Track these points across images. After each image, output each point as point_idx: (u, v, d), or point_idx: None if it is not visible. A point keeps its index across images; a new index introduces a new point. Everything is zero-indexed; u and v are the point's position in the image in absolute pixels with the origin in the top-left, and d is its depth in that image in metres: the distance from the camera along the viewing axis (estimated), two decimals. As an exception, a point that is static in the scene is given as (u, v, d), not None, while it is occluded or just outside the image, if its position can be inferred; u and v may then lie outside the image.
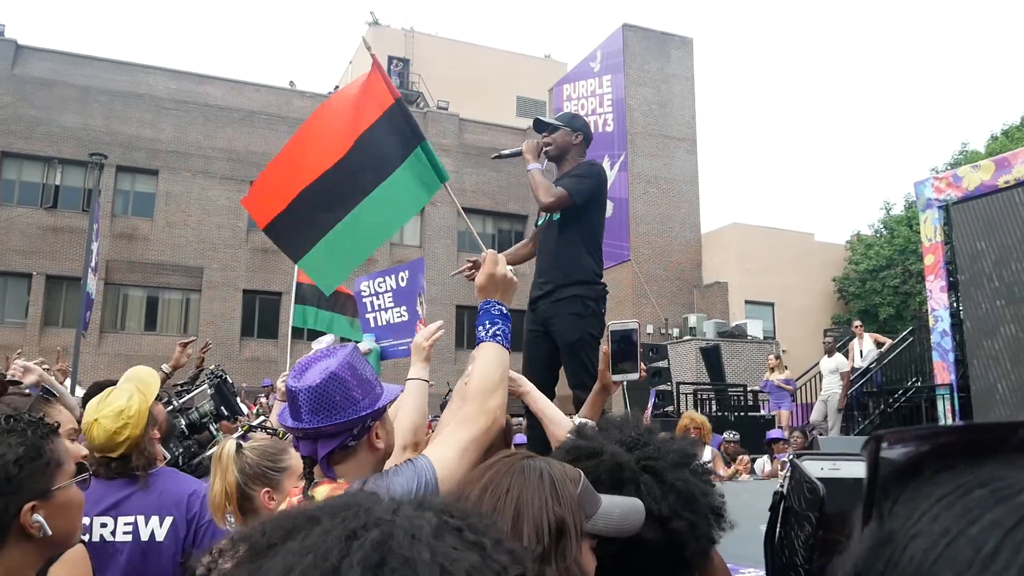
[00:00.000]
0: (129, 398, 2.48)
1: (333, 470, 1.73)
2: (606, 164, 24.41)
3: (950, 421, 9.01)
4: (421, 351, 2.73)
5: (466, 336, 25.17)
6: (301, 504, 1.68)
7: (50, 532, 1.45)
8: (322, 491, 1.66)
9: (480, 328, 2.05)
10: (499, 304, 2.07)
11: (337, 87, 31.96)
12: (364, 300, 6.72)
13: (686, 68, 26.00)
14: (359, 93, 3.51)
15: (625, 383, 2.61)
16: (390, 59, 31.98)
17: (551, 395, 4.28)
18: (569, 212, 4.08)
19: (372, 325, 6.64)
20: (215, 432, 3.79)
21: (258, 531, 0.60)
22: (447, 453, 1.78)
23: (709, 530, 1.39)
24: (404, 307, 6.63)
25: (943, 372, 9.27)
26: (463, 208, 3.60)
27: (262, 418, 4.47)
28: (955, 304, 9.23)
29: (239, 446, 2.36)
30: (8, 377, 2.99)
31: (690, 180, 25.25)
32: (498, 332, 2.01)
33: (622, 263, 23.45)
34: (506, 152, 4.43)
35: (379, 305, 6.71)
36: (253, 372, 21.12)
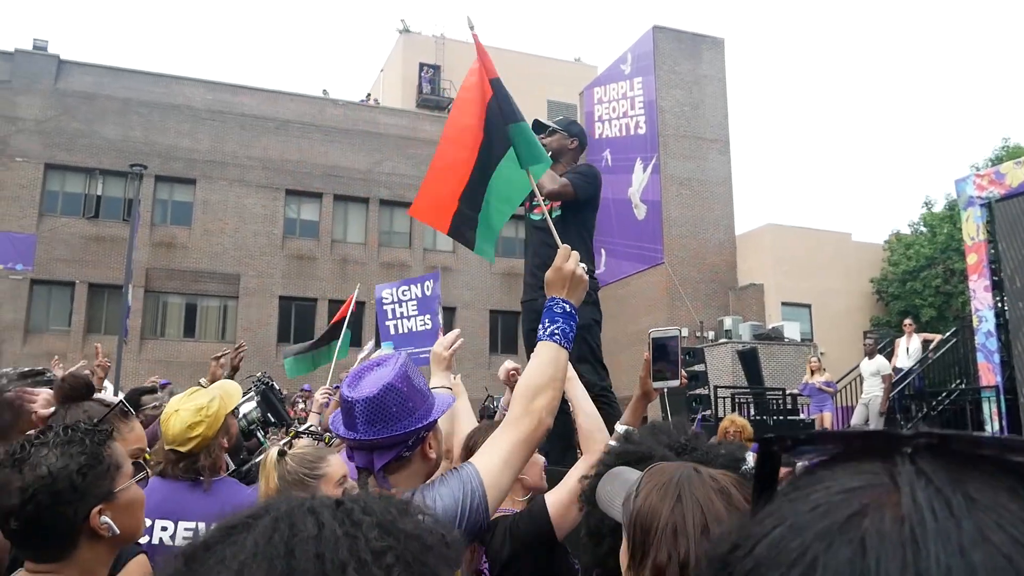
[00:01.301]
0: (211, 399, 2.59)
1: (388, 480, 1.73)
2: (638, 166, 24.31)
3: (996, 424, 8.83)
4: (441, 360, 2.73)
5: (500, 341, 25.22)
6: None
7: (118, 531, 1.54)
8: None
9: (540, 326, 1.96)
10: (564, 301, 1.96)
11: (369, 95, 32.27)
12: (385, 307, 6.77)
13: (718, 69, 25.82)
14: (476, 80, 3.59)
15: (665, 390, 2.58)
16: (421, 66, 32.22)
17: None
18: (569, 209, 4.23)
19: (392, 332, 6.68)
20: (263, 439, 3.83)
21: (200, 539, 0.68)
22: (492, 459, 1.76)
23: None
24: (428, 315, 6.69)
25: (988, 374, 9.09)
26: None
27: (309, 423, 4.50)
28: (1000, 304, 9.05)
29: (281, 453, 2.39)
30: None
31: (723, 181, 25.06)
32: (556, 331, 1.92)
33: (656, 266, 23.31)
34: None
35: (401, 313, 6.76)
36: (290, 378, 21.33)
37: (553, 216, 4.15)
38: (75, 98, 22.13)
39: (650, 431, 1.56)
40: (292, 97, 24.97)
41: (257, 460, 3.47)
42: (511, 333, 25.32)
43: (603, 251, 25.97)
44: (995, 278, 9.06)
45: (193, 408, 2.53)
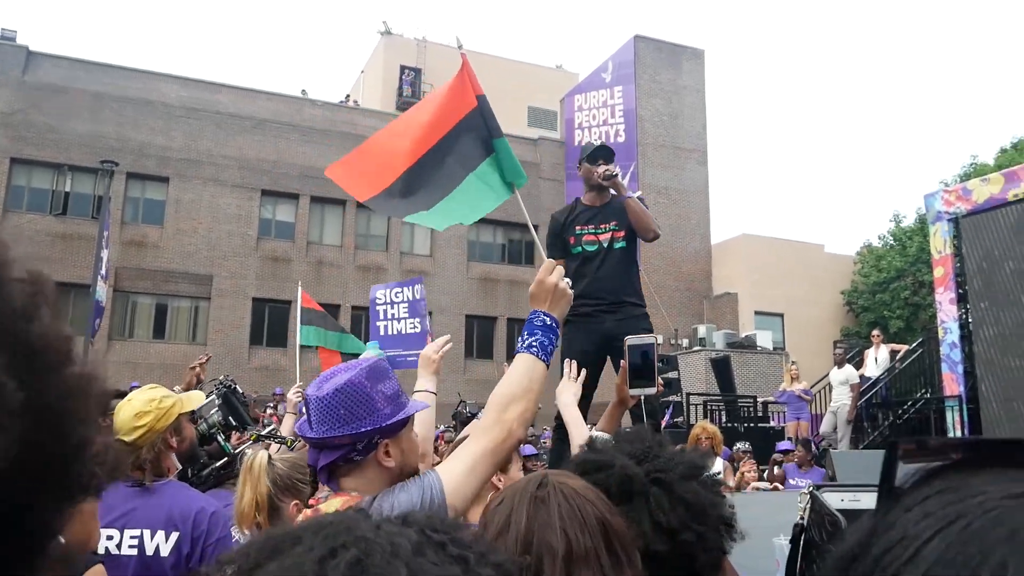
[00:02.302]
0: (166, 395, 2.57)
1: (337, 482, 1.74)
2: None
3: (958, 433, 8.94)
4: (431, 364, 2.74)
5: (475, 346, 25.18)
6: (306, 517, 1.70)
7: (62, 540, 1.46)
8: (334, 504, 1.66)
9: (520, 337, 1.96)
10: (545, 315, 1.97)
11: (348, 96, 32.13)
12: (378, 308, 6.75)
13: (697, 80, 26.03)
14: (451, 89, 3.81)
15: (643, 397, 2.60)
16: (402, 68, 32.14)
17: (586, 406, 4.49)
18: (632, 244, 4.36)
19: (381, 333, 6.67)
20: (223, 443, 3.78)
21: (243, 552, 0.60)
22: (456, 467, 1.75)
23: (719, 541, 1.39)
24: (418, 319, 6.68)
25: (952, 384, 9.21)
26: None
27: (272, 427, 4.45)
28: (964, 316, 9.17)
29: (270, 457, 2.36)
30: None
31: (700, 191, 25.25)
32: (534, 344, 1.91)
33: (631, 273, 23.35)
34: (611, 173, 4.43)
35: (392, 314, 6.74)
36: (262, 381, 21.15)
37: (616, 248, 4.34)
38: (44, 91, 21.76)
39: (615, 439, 1.57)
40: (270, 96, 24.79)
41: (217, 464, 3.43)
42: (487, 338, 25.30)
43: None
44: (960, 291, 9.18)
45: (145, 399, 2.51)
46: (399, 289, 6.80)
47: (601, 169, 4.33)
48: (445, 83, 3.93)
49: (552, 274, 2.00)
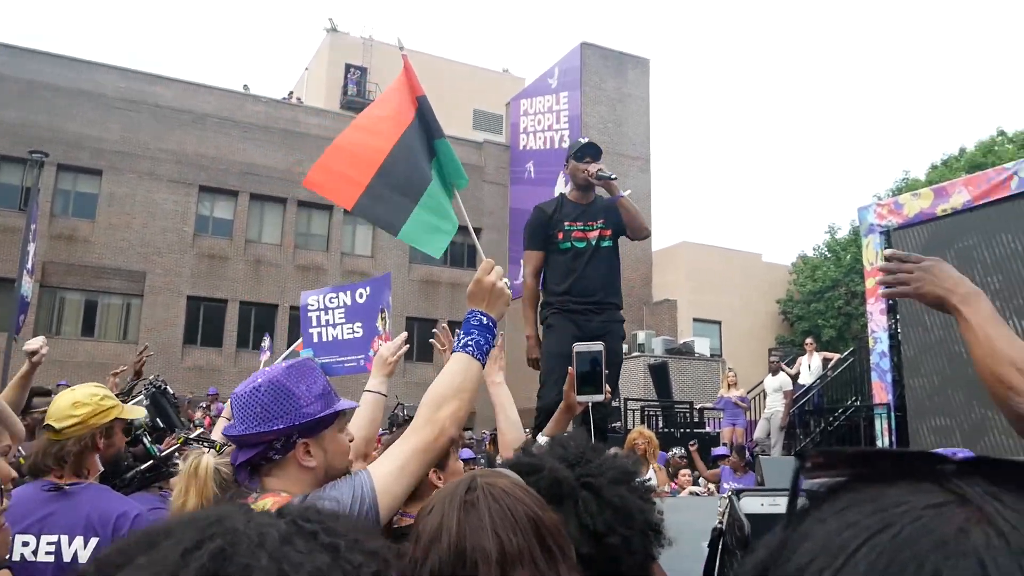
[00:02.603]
0: (110, 397, 2.55)
1: (261, 481, 1.73)
2: (560, 180, 24.55)
3: (887, 439, 9.22)
4: (386, 365, 2.74)
5: (416, 348, 25.00)
6: None
7: None
8: (265, 504, 1.62)
9: (457, 336, 1.98)
10: (483, 314, 1.97)
11: (291, 93, 31.67)
12: (310, 314, 6.62)
13: (642, 88, 26.35)
14: (399, 88, 3.83)
15: (591, 404, 2.60)
16: (347, 67, 31.82)
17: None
18: (616, 242, 4.36)
19: (315, 340, 6.54)
20: (149, 446, 3.66)
21: (119, 547, 0.60)
22: (388, 466, 1.74)
23: (645, 546, 1.40)
24: (359, 323, 6.54)
25: (881, 392, 9.48)
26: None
27: (201, 430, 4.33)
28: (894, 326, 9.46)
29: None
30: None
31: (643, 198, 25.52)
32: (470, 343, 1.91)
33: (573, 278, 23.53)
34: (605, 173, 4.33)
35: (327, 320, 6.62)
36: (196, 381, 20.65)
37: (604, 246, 4.33)
38: (-29, 78, 20.93)
39: (550, 444, 1.59)
40: (211, 90, 24.24)
41: (142, 467, 3.31)
42: (427, 341, 25.07)
43: (522, 262, 26.10)
44: (890, 302, 9.46)
45: (88, 392, 2.48)
46: (335, 294, 6.67)
47: (593, 168, 4.27)
48: (395, 81, 3.92)
49: (491, 274, 2.00)
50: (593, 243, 4.32)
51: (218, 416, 4.98)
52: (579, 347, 2.51)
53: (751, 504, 1.40)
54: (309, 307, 6.59)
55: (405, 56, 3.85)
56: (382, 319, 6.44)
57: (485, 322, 1.96)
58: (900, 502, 0.44)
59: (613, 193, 4.29)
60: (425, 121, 3.73)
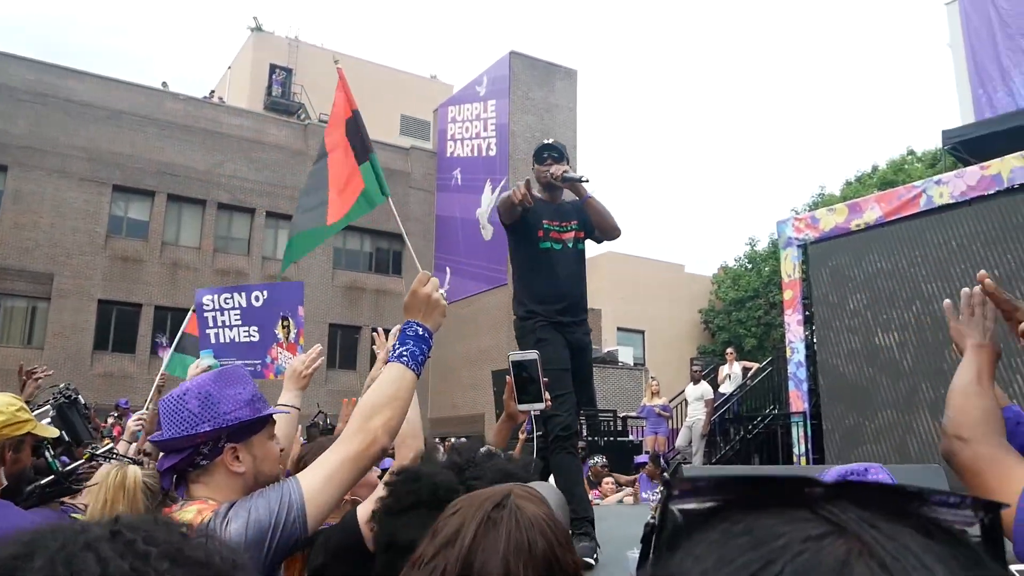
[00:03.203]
0: (26, 411, 2.47)
1: (187, 488, 1.73)
2: (487, 188, 24.56)
3: (803, 447, 9.49)
4: (300, 379, 2.68)
5: (339, 356, 24.61)
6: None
7: None
8: (191, 511, 1.62)
9: (393, 347, 1.98)
10: (419, 325, 1.97)
11: (213, 92, 30.85)
12: (206, 314, 6.44)
13: (569, 99, 26.58)
14: (336, 105, 4.06)
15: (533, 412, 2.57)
16: (272, 67, 31.17)
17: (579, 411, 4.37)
18: (586, 244, 4.21)
19: (212, 341, 6.35)
20: (51, 460, 3.44)
21: None
22: (316, 475, 1.72)
23: None
24: (255, 327, 6.38)
25: (797, 401, 9.76)
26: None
27: (109, 443, 4.12)
28: (810, 337, 9.76)
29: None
30: None
31: (568, 208, 25.75)
32: (405, 353, 1.91)
33: (499, 287, 23.60)
34: (571, 175, 4.17)
35: (223, 321, 6.45)
36: (106, 388, 19.86)
37: (578, 248, 4.17)
38: None
39: (449, 452, 1.66)
40: (128, 87, 23.36)
41: (42, 482, 3.12)
42: (350, 348, 24.78)
43: (448, 269, 26.00)
44: (807, 313, 9.77)
45: (4, 401, 2.40)
46: (229, 295, 6.49)
47: (557, 170, 4.12)
48: (338, 97, 4.10)
49: (427, 285, 2.01)
50: (570, 245, 4.14)
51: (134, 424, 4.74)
52: (514, 356, 2.48)
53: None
54: (205, 307, 6.40)
55: (340, 70, 3.89)
56: (283, 327, 6.30)
57: (421, 333, 1.97)
58: (778, 534, 0.42)
59: (581, 196, 4.11)
60: (358, 136, 3.84)
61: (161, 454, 1.79)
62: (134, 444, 4.46)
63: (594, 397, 4.14)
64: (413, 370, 1.91)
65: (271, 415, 1.86)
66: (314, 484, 1.69)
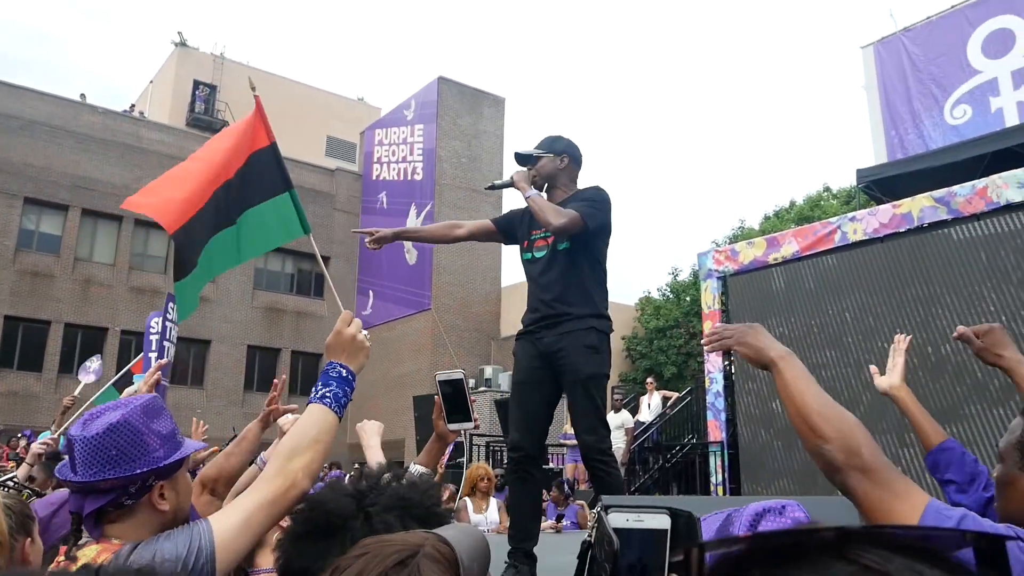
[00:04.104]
0: None
1: (102, 529, 1.63)
2: (413, 212, 24.51)
3: (720, 476, 9.69)
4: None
5: (256, 378, 24.03)
6: (62, 565, 1.55)
7: None
8: (89, 552, 1.54)
9: (315, 388, 1.91)
10: (342, 366, 1.92)
11: (133, 106, 29.99)
12: (151, 337, 6.35)
13: (497, 126, 26.84)
14: (244, 128, 3.86)
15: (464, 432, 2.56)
16: (196, 83, 30.51)
17: (544, 440, 4.09)
18: (579, 242, 3.80)
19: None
20: None
21: None
22: (230, 518, 1.65)
23: None
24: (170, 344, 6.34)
25: (716, 430, 9.98)
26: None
27: (12, 474, 3.94)
28: (728, 367, 10.01)
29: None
30: None
31: (495, 234, 25.88)
32: (328, 395, 1.86)
33: (423, 311, 23.50)
34: (499, 183, 4.07)
35: (164, 347, 6.39)
36: (11, 408, 18.93)
37: (560, 248, 3.83)
38: None
39: (354, 476, 1.62)
40: (42, 97, 22.55)
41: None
42: (269, 370, 24.23)
43: (371, 293, 25.78)
44: (726, 343, 10.04)
45: None
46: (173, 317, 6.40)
47: (498, 182, 4.09)
48: (243, 119, 3.95)
49: (351, 326, 1.96)
50: (559, 247, 3.89)
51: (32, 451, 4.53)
52: (441, 376, 2.49)
53: (617, 519, 1.50)
54: (151, 330, 6.31)
55: (258, 98, 3.78)
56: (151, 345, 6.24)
57: (344, 374, 1.92)
58: None
59: (523, 193, 3.93)
60: (275, 167, 3.75)
61: (69, 493, 1.67)
62: (32, 467, 4.29)
63: (599, 403, 3.82)
64: (335, 412, 1.87)
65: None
66: (228, 529, 1.62)
